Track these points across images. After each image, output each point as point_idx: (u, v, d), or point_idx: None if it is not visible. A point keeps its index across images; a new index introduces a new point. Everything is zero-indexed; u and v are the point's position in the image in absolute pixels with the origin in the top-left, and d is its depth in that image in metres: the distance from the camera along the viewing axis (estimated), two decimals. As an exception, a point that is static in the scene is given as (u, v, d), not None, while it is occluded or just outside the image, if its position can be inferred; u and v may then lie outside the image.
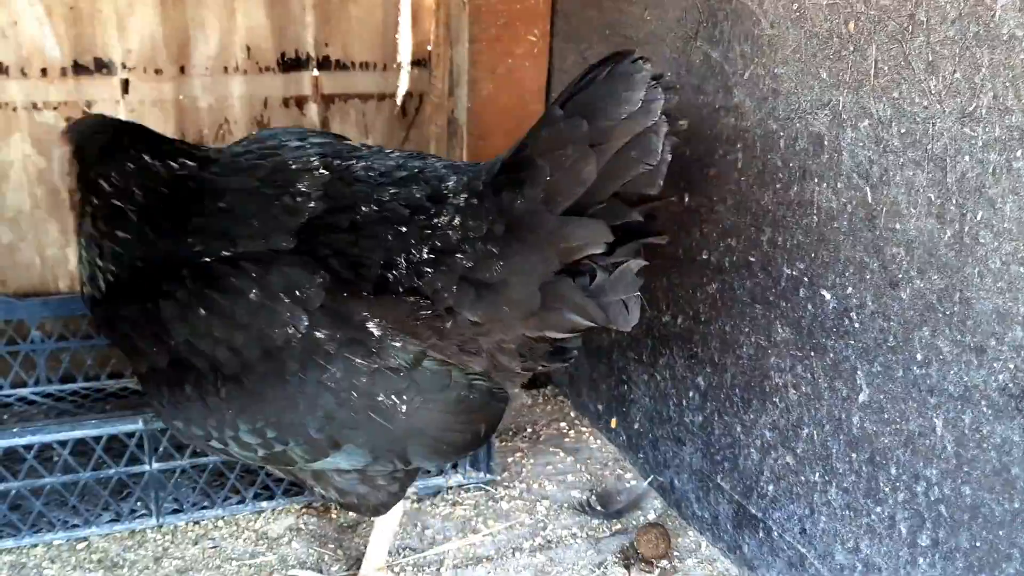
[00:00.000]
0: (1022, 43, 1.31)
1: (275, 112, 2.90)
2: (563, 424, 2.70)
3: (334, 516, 2.23)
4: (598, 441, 2.61)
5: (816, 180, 1.71)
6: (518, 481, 2.40)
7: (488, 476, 2.36)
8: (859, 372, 1.65)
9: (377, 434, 1.61)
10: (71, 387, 2.66)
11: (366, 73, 3.00)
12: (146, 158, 1.72)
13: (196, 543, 2.12)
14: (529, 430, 2.66)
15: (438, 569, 2.05)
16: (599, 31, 2.43)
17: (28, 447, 2.00)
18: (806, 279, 1.76)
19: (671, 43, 2.13)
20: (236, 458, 1.74)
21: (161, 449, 2.10)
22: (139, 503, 2.16)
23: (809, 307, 1.76)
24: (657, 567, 2.03)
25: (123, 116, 2.60)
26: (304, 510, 2.24)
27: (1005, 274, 1.36)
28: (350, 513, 2.22)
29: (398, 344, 1.56)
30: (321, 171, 1.67)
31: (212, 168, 1.73)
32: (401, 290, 1.56)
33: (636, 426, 2.43)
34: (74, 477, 2.06)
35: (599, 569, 2.05)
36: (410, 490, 2.29)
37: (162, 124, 2.72)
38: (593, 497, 2.30)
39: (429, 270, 1.56)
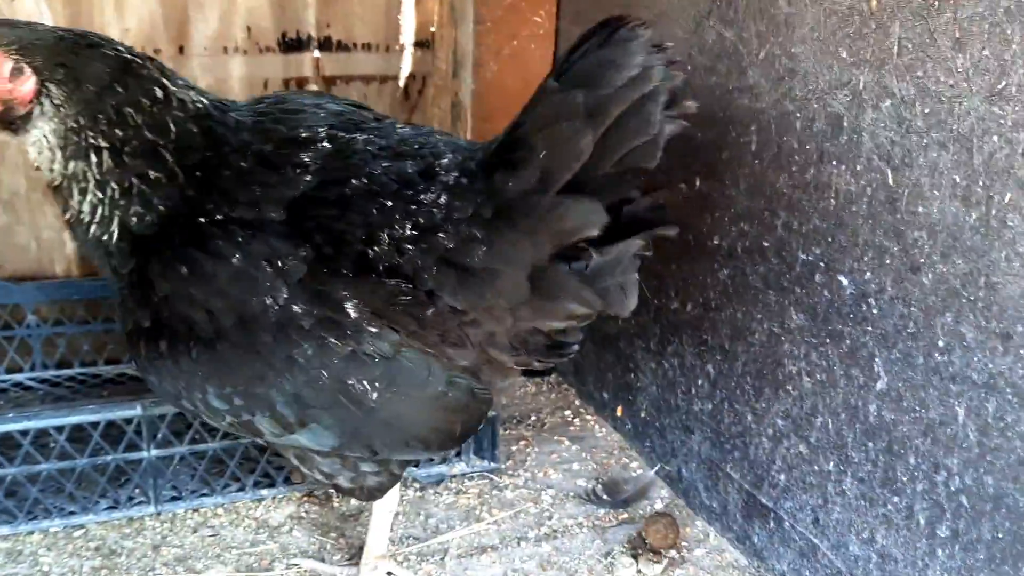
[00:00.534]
0: (1055, 19, 1.27)
1: (275, 94, 2.84)
2: (568, 412, 2.67)
3: (336, 504, 2.19)
4: (603, 429, 2.57)
5: (834, 163, 1.67)
6: (523, 470, 2.36)
7: (492, 464, 2.32)
8: (877, 359, 1.61)
9: (344, 419, 1.56)
10: (67, 373, 2.61)
11: (368, 54, 2.94)
12: (171, 87, 1.58)
13: (195, 531, 2.08)
14: (534, 418, 2.63)
15: (442, 559, 2.01)
16: (607, 11, 2.36)
17: (24, 432, 1.95)
18: (822, 264, 1.72)
19: (683, 23, 2.08)
20: (210, 421, 1.69)
21: (160, 436, 2.06)
22: (137, 490, 2.12)
23: (825, 293, 1.72)
24: (665, 557, 1.99)
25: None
26: (306, 498, 2.20)
27: (1033, 258, 1.32)
28: (352, 501, 2.19)
29: (374, 330, 1.50)
30: (325, 144, 1.61)
31: (233, 119, 1.64)
32: (382, 268, 1.50)
33: (643, 414, 2.39)
34: (71, 464, 2.01)
35: (606, 559, 2.02)
36: (416, 476, 2.26)
37: (160, 105, 2.66)
38: (599, 486, 2.27)
39: (410, 247, 1.50)
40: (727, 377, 2.03)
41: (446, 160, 1.58)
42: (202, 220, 1.55)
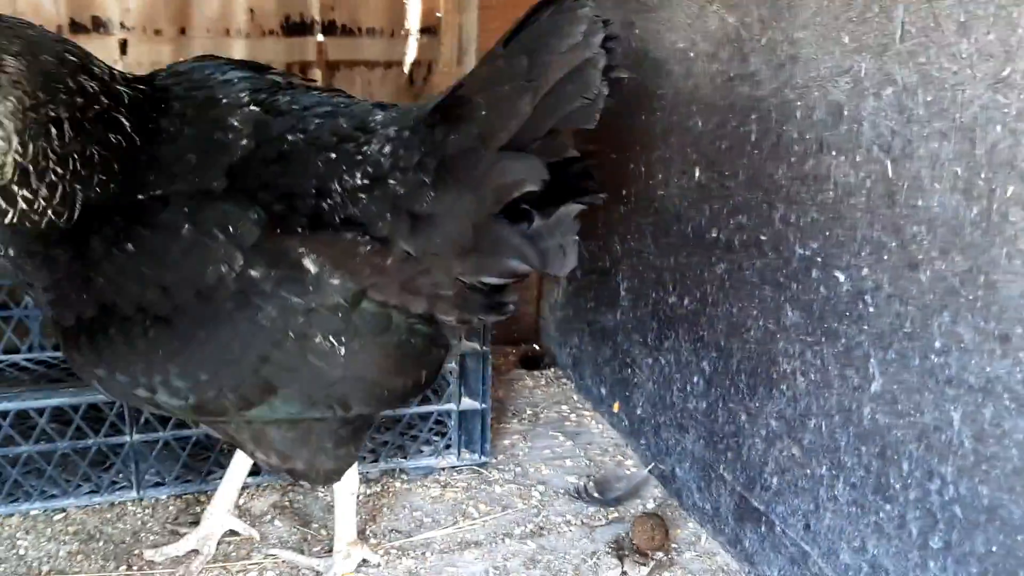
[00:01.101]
0: (1064, 1, 1.19)
1: (277, 77, 2.80)
2: (565, 407, 2.61)
3: (320, 494, 2.15)
4: (600, 426, 2.51)
5: (834, 153, 1.59)
6: (514, 464, 2.31)
7: (482, 458, 2.27)
8: (872, 360, 1.54)
9: (314, 378, 1.56)
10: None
11: (373, 39, 2.91)
12: (102, 66, 1.55)
13: (176, 518, 2.05)
14: (529, 412, 2.57)
15: (423, 553, 1.97)
16: (612, -3, 2.32)
17: (3, 414, 1.93)
18: (819, 259, 1.65)
19: (686, 8, 2.01)
20: (164, 409, 1.64)
21: (142, 420, 2.03)
22: (120, 475, 2.10)
23: (821, 289, 1.65)
24: (652, 559, 1.93)
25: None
26: (290, 487, 2.17)
27: (1035, 256, 1.25)
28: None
29: (336, 282, 1.50)
30: (251, 107, 1.60)
31: (159, 94, 1.61)
32: (337, 220, 1.51)
33: (639, 411, 2.33)
34: (52, 446, 1.99)
35: (591, 559, 1.96)
36: (404, 468, 2.21)
37: (159, 86, 2.63)
38: (591, 483, 2.21)
39: (363, 196, 1.52)
40: (722, 375, 1.96)
41: (379, 116, 1.60)
42: (141, 197, 1.51)
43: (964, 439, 1.37)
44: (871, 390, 1.54)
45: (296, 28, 2.79)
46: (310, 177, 1.52)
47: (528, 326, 2.98)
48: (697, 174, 2.00)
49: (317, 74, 2.85)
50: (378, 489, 2.18)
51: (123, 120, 1.51)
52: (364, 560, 1.89)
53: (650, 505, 2.16)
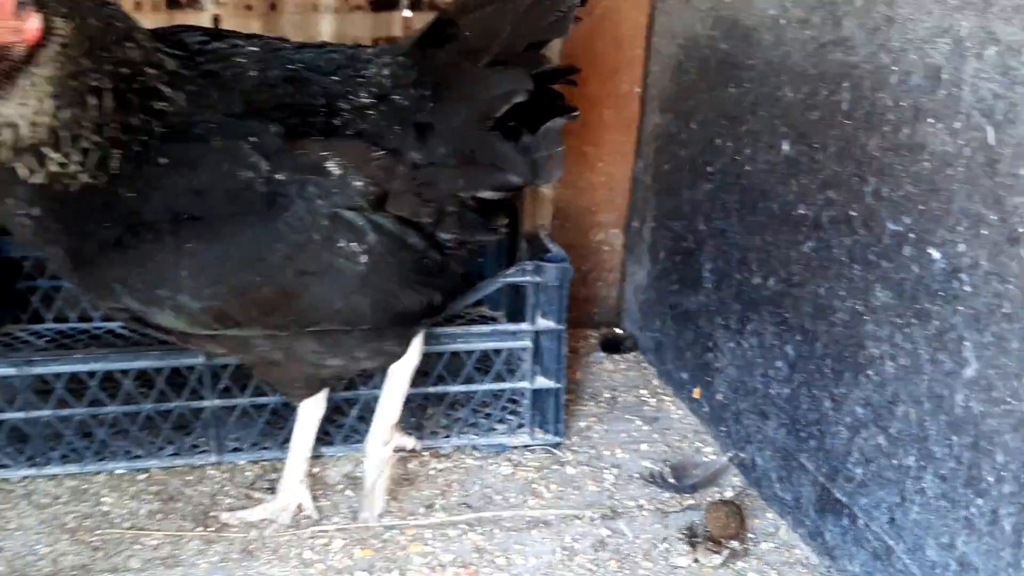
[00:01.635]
0: None
1: (364, 54, 2.82)
2: (644, 392, 2.54)
3: (393, 469, 2.15)
4: (680, 411, 2.44)
5: (931, 120, 1.48)
6: (588, 447, 2.26)
7: (555, 438, 2.23)
8: (967, 343, 1.42)
9: (336, 283, 1.64)
10: (108, 325, 2.54)
11: (460, 15, 2.88)
12: (145, 32, 1.60)
13: (252, 483, 2.09)
14: (607, 395, 2.51)
15: (491, 530, 1.94)
16: (702, -34, 2.23)
17: (91, 374, 2.00)
18: (912, 235, 1.54)
19: (777, -28, 1.91)
20: (184, 318, 1.63)
21: (221, 386, 2.07)
22: (200, 439, 2.15)
23: (914, 267, 1.54)
24: (726, 547, 1.85)
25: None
26: (363, 459, 2.17)
27: None
28: (408, 465, 2.14)
29: (359, 184, 1.60)
30: (251, 47, 1.73)
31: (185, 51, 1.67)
32: (348, 135, 1.63)
33: (720, 397, 2.25)
34: (136, 408, 2.05)
35: (662, 544, 1.89)
36: (476, 445, 2.19)
37: (250, 62, 2.68)
38: (667, 469, 2.14)
39: (372, 113, 1.66)
40: (806, 359, 1.86)
41: (370, 49, 1.79)
42: (167, 129, 1.57)
43: (1067, 430, 1.25)
44: (964, 375, 1.43)
45: (383, 3, 2.79)
46: (318, 97, 1.66)
47: (610, 309, 2.91)
48: (786, 147, 1.90)
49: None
50: (450, 464, 2.17)
51: (163, 88, 1.57)
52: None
53: (728, 494, 2.08)
